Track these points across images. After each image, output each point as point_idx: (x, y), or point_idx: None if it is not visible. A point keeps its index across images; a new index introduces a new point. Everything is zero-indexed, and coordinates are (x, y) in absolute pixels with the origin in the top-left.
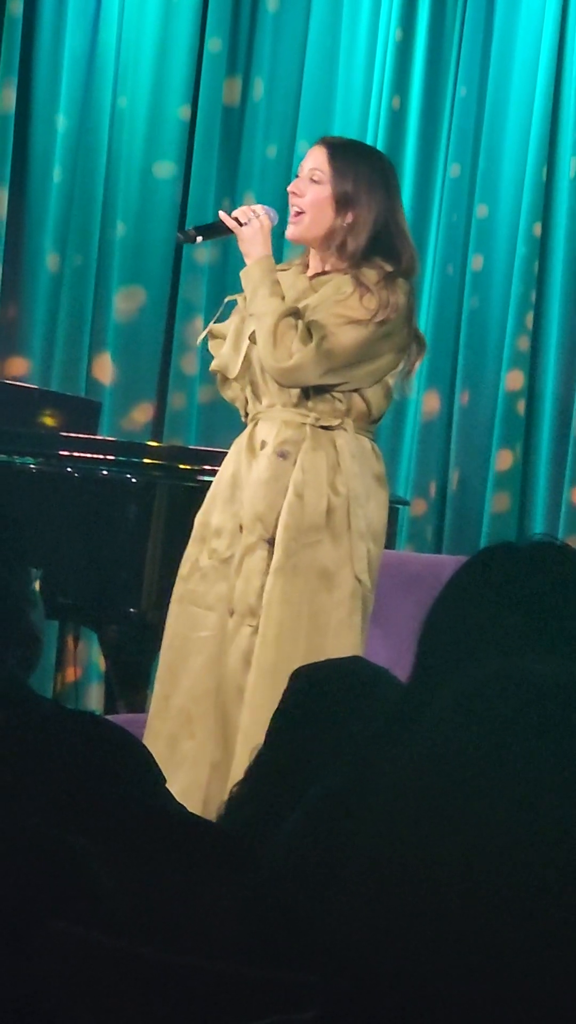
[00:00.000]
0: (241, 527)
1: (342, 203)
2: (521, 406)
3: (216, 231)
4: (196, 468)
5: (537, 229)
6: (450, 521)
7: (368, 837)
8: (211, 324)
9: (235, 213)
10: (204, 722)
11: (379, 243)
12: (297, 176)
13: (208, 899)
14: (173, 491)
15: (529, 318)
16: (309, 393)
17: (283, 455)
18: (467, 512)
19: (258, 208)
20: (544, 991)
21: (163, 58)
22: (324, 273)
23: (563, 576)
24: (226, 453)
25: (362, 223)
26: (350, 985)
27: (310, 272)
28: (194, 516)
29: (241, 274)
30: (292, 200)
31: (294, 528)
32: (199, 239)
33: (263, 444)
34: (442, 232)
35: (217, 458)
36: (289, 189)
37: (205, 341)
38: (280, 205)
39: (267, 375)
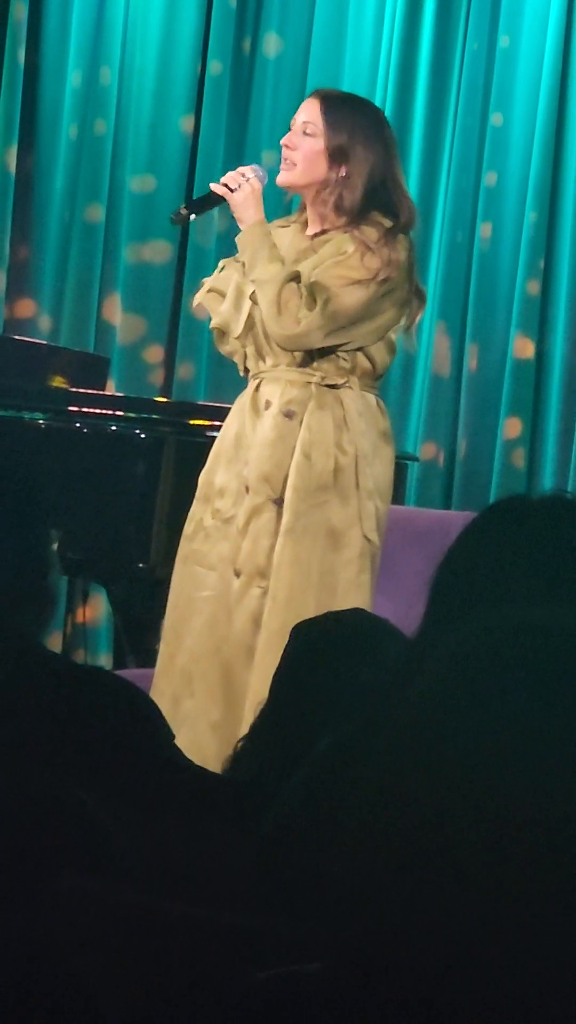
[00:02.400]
0: (247, 488)
1: (336, 156)
2: (530, 367)
3: (208, 203)
4: (205, 423)
5: (548, 190)
6: (459, 477)
7: (371, 786)
8: (207, 280)
9: (224, 179)
10: (204, 682)
11: (376, 197)
12: (291, 129)
13: (216, 851)
14: (182, 446)
15: (540, 274)
16: (314, 353)
17: (289, 415)
18: (477, 468)
19: (247, 170)
20: (550, 937)
21: (174, 13)
22: (324, 232)
23: (574, 529)
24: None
25: (357, 177)
26: (356, 936)
27: (310, 231)
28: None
29: (237, 240)
30: (285, 153)
31: (302, 489)
32: (192, 216)
33: (268, 404)
34: (451, 189)
35: (226, 414)
36: (282, 142)
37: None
38: None
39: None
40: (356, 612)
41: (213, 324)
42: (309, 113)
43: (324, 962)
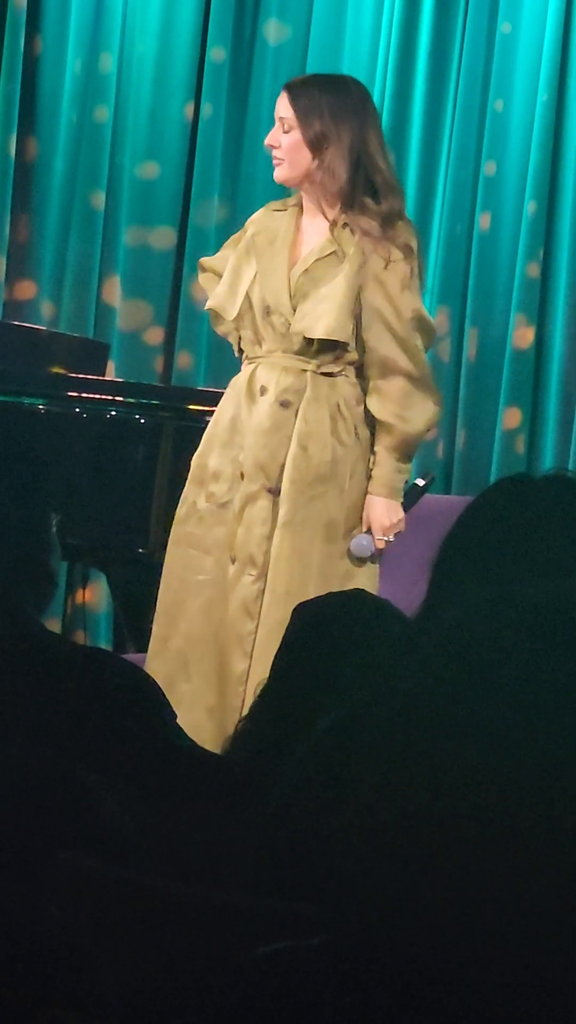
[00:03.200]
0: (242, 474)
1: (315, 144)
2: (530, 357)
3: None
4: (205, 409)
5: (547, 180)
6: (459, 462)
7: (374, 761)
8: (204, 259)
9: (384, 543)
10: (200, 666)
11: (363, 179)
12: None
13: (218, 831)
14: (181, 432)
15: (539, 260)
16: (312, 343)
17: (284, 404)
18: (477, 453)
19: (375, 541)
20: (560, 914)
21: None
22: (333, 225)
23: (574, 507)
24: None
25: (338, 160)
26: (360, 912)
27: (313, 216)
28: None
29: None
30: (272, 151)
31: (300, 481)
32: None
33: (263, 390)
34: (451, 178)
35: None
36: (266, 143)
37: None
38: None
39: (268, 319)
40: (357, 593)
41: (208, 306)
42: (282, 107)
43: (326, 938)
